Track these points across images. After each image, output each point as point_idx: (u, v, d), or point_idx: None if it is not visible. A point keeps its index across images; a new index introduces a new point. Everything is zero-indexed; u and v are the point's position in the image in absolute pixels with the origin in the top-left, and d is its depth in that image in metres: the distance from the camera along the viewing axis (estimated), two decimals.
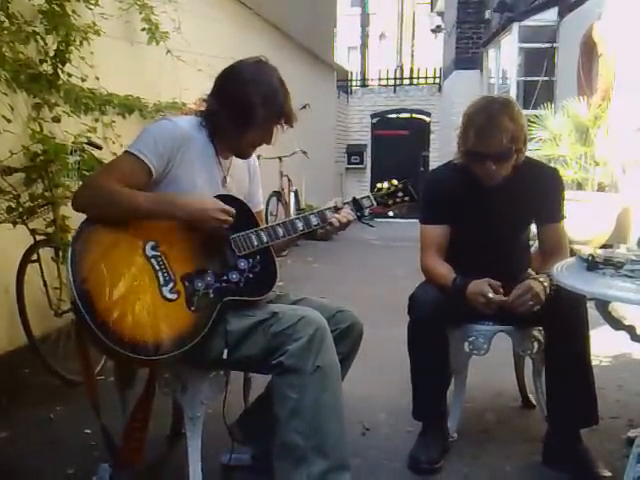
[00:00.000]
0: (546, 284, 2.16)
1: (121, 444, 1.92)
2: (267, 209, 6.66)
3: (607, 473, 2.08)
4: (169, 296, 1.78)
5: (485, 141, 2.18)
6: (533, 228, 2.49)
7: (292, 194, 7.92)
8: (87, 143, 3.24)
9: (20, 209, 2.93)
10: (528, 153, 2.35)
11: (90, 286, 1.70)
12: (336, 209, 2.01)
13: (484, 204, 2.32)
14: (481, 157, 2.21)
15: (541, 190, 2.34)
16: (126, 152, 1.87)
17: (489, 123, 2.17)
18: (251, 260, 1.92)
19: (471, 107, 2.27)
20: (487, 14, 11.36)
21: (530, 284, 2.17)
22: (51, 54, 3.22)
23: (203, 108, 1.99)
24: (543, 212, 2.38)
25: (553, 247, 2.37)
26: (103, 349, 1.74)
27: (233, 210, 1.87)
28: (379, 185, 2.10)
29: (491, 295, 2.17)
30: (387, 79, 14.43)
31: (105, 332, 1.66)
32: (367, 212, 2.05)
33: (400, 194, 2.10)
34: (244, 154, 2.05)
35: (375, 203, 2.07)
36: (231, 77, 1.95)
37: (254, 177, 2.19)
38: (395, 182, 2.11)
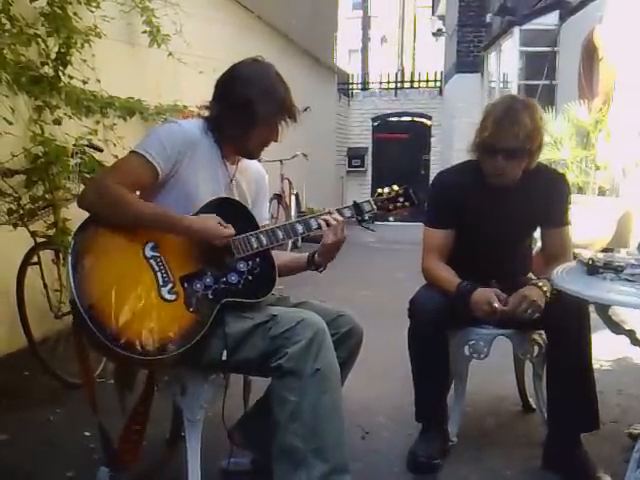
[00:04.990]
0: (545, 289, 2.15)
1: (117, 446, 1.91)
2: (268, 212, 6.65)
3: (607, 478, 2.08)
4: (168, 297, 1.78)
5: (501, 132, 2.17)
6: (535, 233, 2.48)
7: (293, 197, 7.91)
8: (88, 145, 3.24)
9: (21, 211, 2.93)
10: None
11: (89, 285, 1.71)
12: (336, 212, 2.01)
13: (490, 207, 2.31)
14: (493, 150, 2.20)
15: (547, 194, 2.33)
16: (133, 152, 1.88)
17: (509, 116, 2.17)
18: (251, 262, 1.92)
19: (495, 101, 2.30)
20: (488, 18, 11.39)
21: (524, 293, 2.16)
22: (52, 56, 3.22)
23: (206, 113, 1.99)
24: (548, 216, 2.36)
25: (556, 251, 2.35)
26: (101, 349, 1.73)
27: (232, 231, 1.87)
28: (380, 190, 2.10)
29: (496, 305, 2.16)
30: (388, 82, 14.44)
31: (102, 331, 1.66)
32: (367, 216, 2.06)
33: (401, 199, 2.09)
34: (253, 155, 2.06)
35: (375, 208, 2.07)
36: (230, 79, 1.96)
37: (260, 190, 2.18)
38: (396, 187, 2.10)
